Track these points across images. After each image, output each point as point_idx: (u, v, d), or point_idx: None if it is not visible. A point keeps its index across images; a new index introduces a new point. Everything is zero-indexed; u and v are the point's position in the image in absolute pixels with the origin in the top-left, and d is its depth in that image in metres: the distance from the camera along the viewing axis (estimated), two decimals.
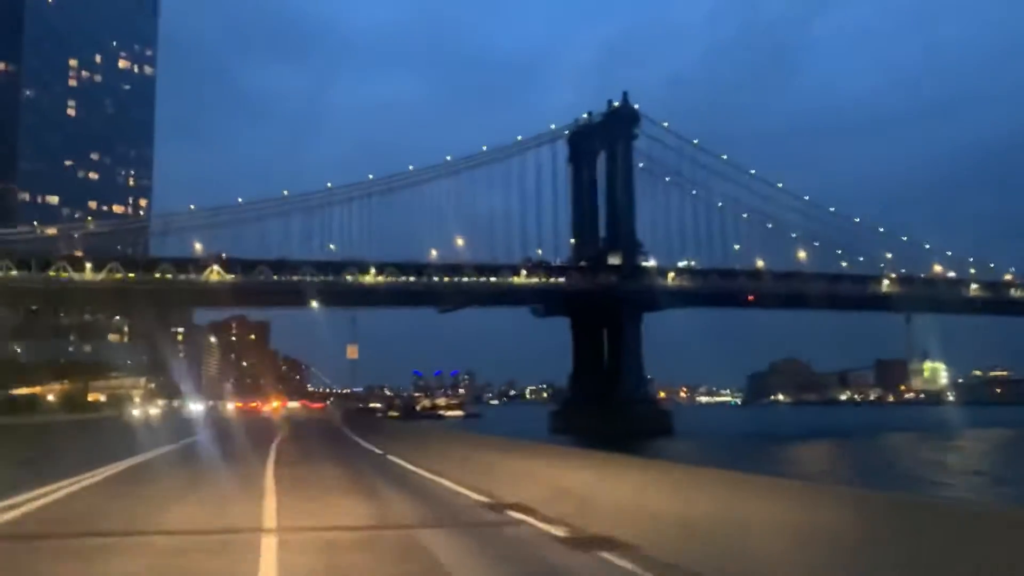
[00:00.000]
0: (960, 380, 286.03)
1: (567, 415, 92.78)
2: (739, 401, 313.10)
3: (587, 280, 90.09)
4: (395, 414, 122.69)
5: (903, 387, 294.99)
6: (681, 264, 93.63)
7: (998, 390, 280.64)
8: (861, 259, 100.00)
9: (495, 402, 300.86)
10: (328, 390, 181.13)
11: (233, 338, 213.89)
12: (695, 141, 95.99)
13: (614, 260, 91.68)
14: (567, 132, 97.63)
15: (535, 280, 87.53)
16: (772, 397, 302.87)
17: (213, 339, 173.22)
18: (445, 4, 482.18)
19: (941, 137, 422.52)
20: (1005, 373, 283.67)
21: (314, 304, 79.68)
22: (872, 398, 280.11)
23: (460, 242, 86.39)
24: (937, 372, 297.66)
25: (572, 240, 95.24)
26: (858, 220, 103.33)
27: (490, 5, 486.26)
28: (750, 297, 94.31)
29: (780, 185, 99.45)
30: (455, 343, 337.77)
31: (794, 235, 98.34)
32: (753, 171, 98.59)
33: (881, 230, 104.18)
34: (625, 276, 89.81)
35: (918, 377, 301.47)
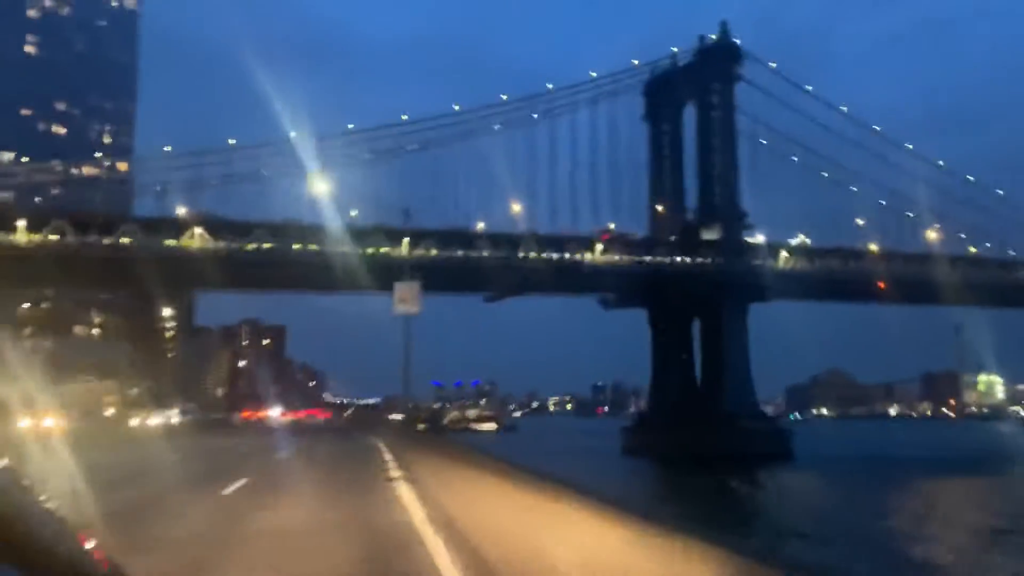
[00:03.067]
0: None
1: (645, 432, 72.88)
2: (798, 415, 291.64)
3: (678, 258, 70.23)
4: (422, 426, 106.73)
5: (953, 401, 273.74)
6: (793, 241, 73.65)
7: None
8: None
9: (518, 414, 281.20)
10: (343, 401, 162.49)
11: (245, 343, 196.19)
12: (808, 87, 76.08)
13: (709, 235, 71.76)
14: (642, 82, 78.03)
15: (615, 258, 67.57)
16: (815, 411, 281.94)
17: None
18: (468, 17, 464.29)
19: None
20: None
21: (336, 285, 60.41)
22: (928, 413, 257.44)
23: (516, 208, 66.66)
24: (993, 385, 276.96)
25: (652, 210, 75.47)
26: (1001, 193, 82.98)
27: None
28: (881, 284, 74.12)
29: (910, 147, 79.33)
30: (469, 350, 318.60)
31: (929, 213, 78.18)
32: (878, 127, 78.53)
33: None
34: (728, 254, 69.83)
35: (971, 391, 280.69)
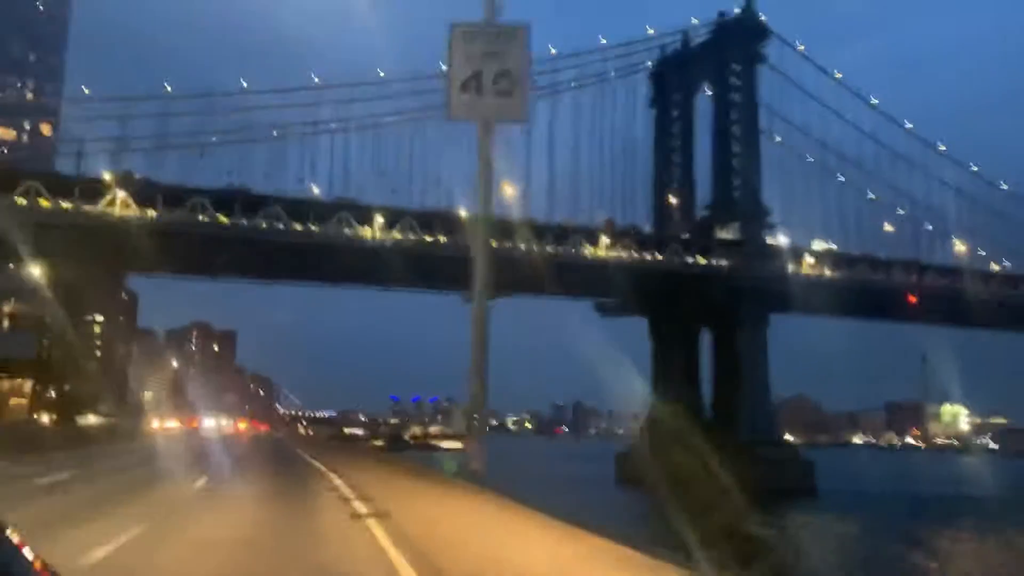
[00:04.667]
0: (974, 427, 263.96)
1: (644, 459, 63.14)
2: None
3: (690, 259, 60.92)
4: (379, 443, 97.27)
5: (917, 431, 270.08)
6: (816, 246, 64.88)
7: None
8: None
9: None
10: (296, 412, 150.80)
11: (193, 346, 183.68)
12: (838, 74, 67.64)
13: (725, 234, 62.66)
14: (650, 64, 68.97)
15: (622, 255, 57.88)
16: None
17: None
18: None
19: None
20: (1004, 421, 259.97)
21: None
22: (896, 443, 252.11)
23: (509, 192, 56.59)
24: (958, 416, 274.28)
25: (658, 205, 66.16)
26: None
27: None
28: (911, 298, 65.72)
29: (943, 148, 71.27)
30: (425, 365, 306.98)
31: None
32: (909, 124, 70.42)
33: None
34: (748, 256, 60.72)
35: (935, 421, 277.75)
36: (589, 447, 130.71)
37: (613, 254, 57.12)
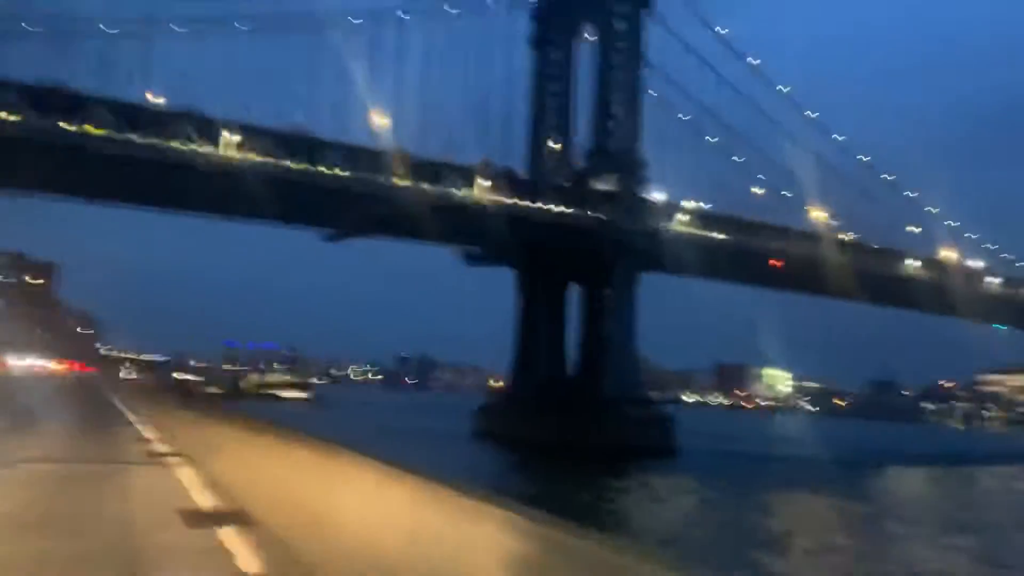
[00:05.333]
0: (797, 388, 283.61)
1: (504, 415, 60.68)
2: None
3: (568, 209, 58.01)
4: (216, 391, 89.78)
5: (742, 392, 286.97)
6: (688, 206, 63.68)
7: (845, 402, 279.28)
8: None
9: (316, 382, 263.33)
10: (124, 354, 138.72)
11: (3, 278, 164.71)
12: (722, 30, 66.21)
13: (603, 185, 60.15)
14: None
15: (500, 199, 53.95)
16: None
17: None
18: None
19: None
20: (817, 385, 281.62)
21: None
22: (724, 402, 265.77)
23: (380, 122, 51.22)
24: (780, 379, 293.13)
25: (534, 150, 62.76)
26: (891, 178, 78.13)
27: None
28: (776, 263, 66.16)
29: (813, 115, 71.92)
30: (266, 305, 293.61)
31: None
32: (785, 88, 70.37)
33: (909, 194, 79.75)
34: (625, 210, 58.53)
35: (759, 383, 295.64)
36: (439, 401, 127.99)
37: (489, 198, 53.15)
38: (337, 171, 47.06)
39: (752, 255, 64.12)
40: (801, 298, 77.63)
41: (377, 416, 78.08)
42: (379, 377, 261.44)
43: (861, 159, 75.55)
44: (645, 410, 57.94)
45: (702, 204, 63.92)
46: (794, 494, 39.94)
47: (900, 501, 42.68)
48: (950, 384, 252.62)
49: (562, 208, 57.37)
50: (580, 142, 63.70)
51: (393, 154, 48.18)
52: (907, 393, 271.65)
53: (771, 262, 65.20)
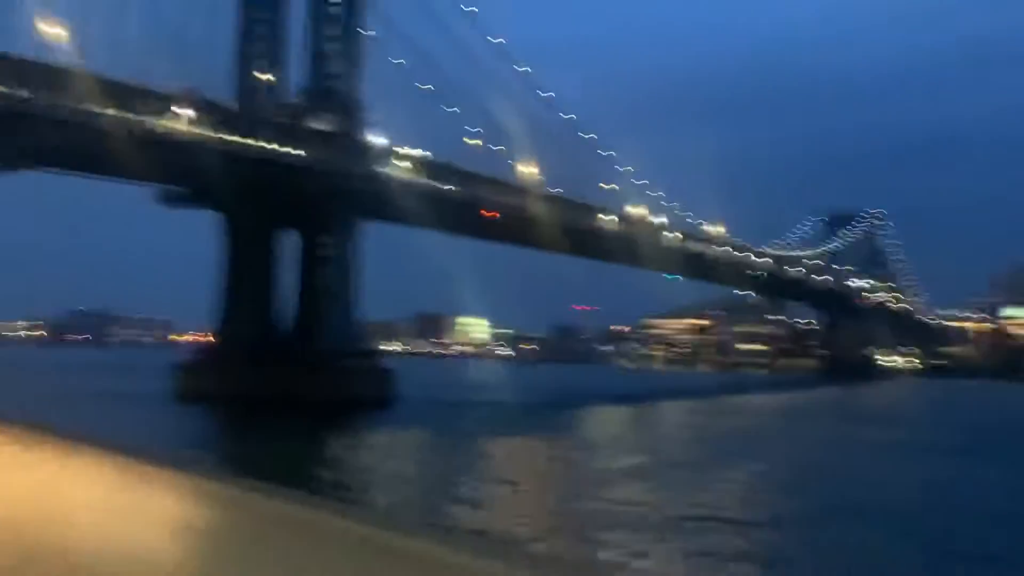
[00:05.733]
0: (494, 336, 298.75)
1: (211, 373, 55.62)
2: None
3: (281, 148, 53.66)
4: None
5: (439, 340, 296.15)
6: (409, 151, 62.20)
7: (534, 347, 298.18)
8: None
9: None
10: None
11: None
12: None
13: (320, 124, 56.51)
14: None
15: (207, 133, 48.13)
16: None
17: None
18: None
19: None
20: (505, 330, 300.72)
21: None
22: (429, 351, 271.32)
23: (56, 32, 42.98)
24: (477, 327, 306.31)
25: (242, 80, 57.14)
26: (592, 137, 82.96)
27: None
28: (492, 214, 67.29)
29: (527, 70, 73.62)
30: None
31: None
32: (499, 39, 70.95)
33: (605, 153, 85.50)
34: (345, 152, 55.59)
35: (458, 331, 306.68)
36: (120, 359, 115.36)
37: (193, 131, 47.26)
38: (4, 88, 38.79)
39: (471, 206, 64.52)
40: (494, 248, 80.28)
41: (54, 379, 68.34)
42: (40, 334, 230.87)
43: (566, 117, 79.27)
44: (365, 362, 56.23)
45: (423, 152, 62.85)
46: (506, 437, 40.81)
47: (606, 439, 45.45)
48: (622, 328, 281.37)
49: (275, 146, 53.00)
50: (296, 80, 59.29)
51: (75, 72, 40.75)
52: (586, 337, 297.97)
53: (487, 213, 66.17)
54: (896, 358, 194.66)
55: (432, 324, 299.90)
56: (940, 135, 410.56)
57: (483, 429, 43.72)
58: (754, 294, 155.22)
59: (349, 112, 56.86)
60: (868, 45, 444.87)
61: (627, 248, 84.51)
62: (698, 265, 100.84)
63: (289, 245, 58.78)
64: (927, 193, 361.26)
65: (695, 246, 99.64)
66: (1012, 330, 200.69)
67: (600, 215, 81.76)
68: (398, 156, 60.26)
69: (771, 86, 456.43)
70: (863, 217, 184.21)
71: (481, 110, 68.70)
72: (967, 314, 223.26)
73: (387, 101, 62.50)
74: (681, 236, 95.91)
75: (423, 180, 61.20)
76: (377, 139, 59.01)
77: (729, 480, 27.47)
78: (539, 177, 73.92)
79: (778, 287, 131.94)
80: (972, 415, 71.51)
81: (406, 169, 60.08)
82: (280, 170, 52.21)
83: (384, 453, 35.16)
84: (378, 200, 56.89)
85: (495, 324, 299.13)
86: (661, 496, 23.71)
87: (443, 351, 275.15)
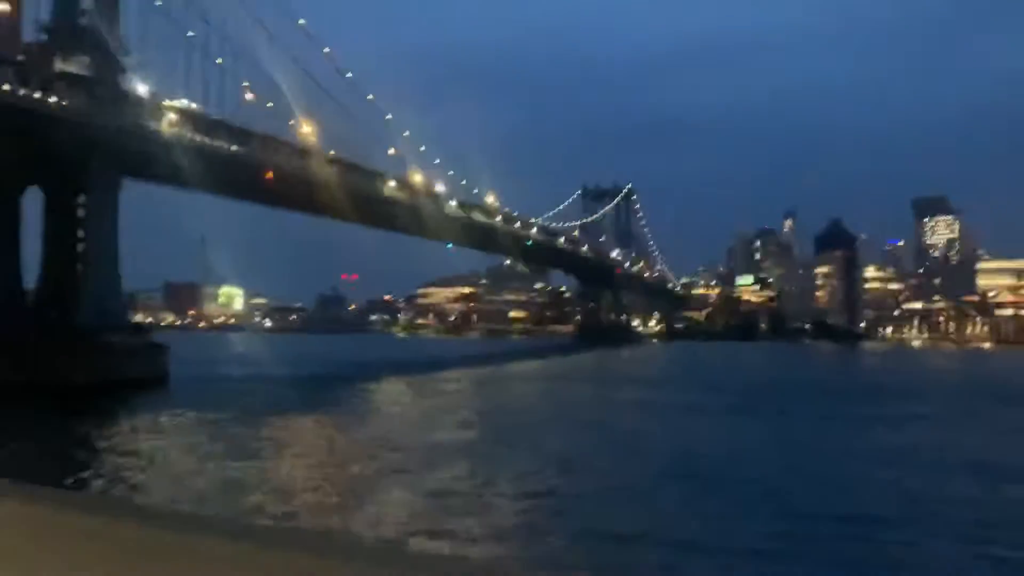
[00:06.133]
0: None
1: None
2: None
3: (20, 90, 45.76)
4: None
5: (193, 311, 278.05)
6: (177, 104, 55.88)
7: (295, 317, 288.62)
8: None
9: None
10: None
11: None
12: None
13: (70, 67, 48.92)
14: None
15: None
16: None
17: None
18: None
19: None
20: (264, 301, 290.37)
21: None
22: (175, 323, 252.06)
23: None
24: (233, 297, 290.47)
25: None
26: (371, 98, 79.87)
27: None
28: (268, 174, 62.64)
29: (302, 22, 68.82)
30: None
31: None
32: None
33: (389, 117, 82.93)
34: (102, 99, 48.62)
35: (212, 302, 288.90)
36: None
37: None
38: None
39: (246, 166, 59.53)
40: (256, 212, 75.49)
41: None
42: None
43: (348, 76, 75.56)
44: (132, 338, 50.09)
45: (194, 105, 56.81)
46: (286, 415, 37.73)
47: (381, 413, 43.16)
48: (391, 298, 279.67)
49: (18, 90, 45.22)
50: (38, 14, 50.83)
51: None
52: (353, 307, 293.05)
53: (266, 175, 61.47)
54: (647, 323, 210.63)
55: (182, 294, 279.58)
56: (685, 118, 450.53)
57: (264, 407, 40.25)
58: (523, 263, 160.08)
59: (107, 56, 49.76)
60: (630, 30, 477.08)
61: (411, 216, 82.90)
62: (477, 234, 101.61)
63: (38, 206, 50.74)
64: (671, 171, 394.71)
65: (476, 216, 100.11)
66: (744, 296, 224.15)
67: (383, 180, 79.30)
68: (164, 108, 53.93)
69: (541, 67, 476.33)
70: (618, 192, 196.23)
71: (257, 65, 63.52)
72: (703, 281, 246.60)
73: (152, 48, 55.74)
74: (461, 205, 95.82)
75: (196, 136, 55.36)
76: (139, 87, 52.33)
77: (520, 451, 27.09)
78: (319, 139, 70.12)
79: (547, 257, 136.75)
80: (721, 374, 78.17)
81: (172, 122, 53.92)
82: (22, 117, 44.61)
83: (155, 442, 30.78)
84: (141, 156, 50.61)
85: (255, 294, 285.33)
86: (457, 471, 22.66)
87: (196, 323, 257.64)
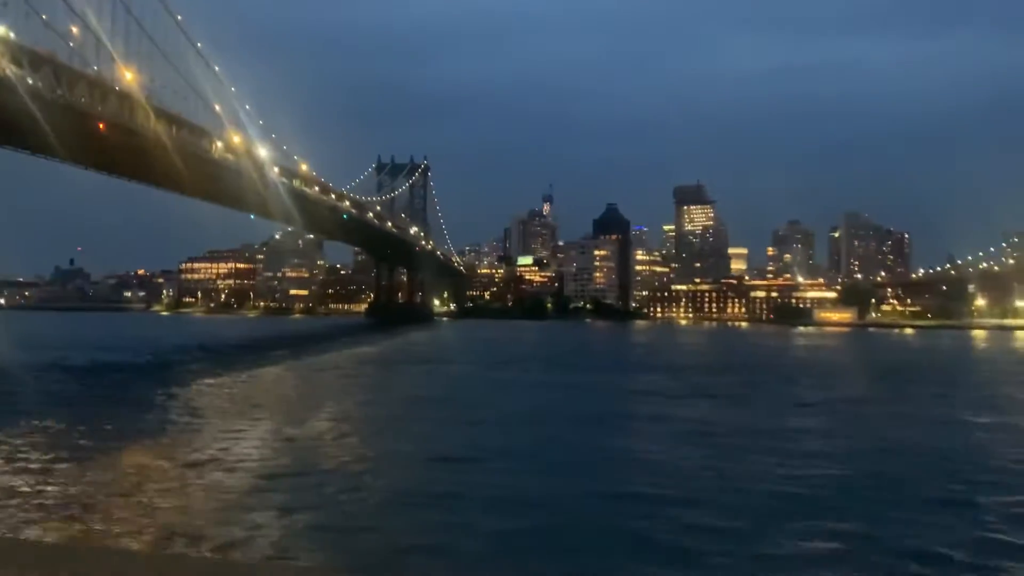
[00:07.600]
0: None
1: None
2: None
3: None
4: None
5: None
6: None
7: (27, 293, 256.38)
8: None
9: None
10: None
11: None
12: None
13: None
14: None
15: None
16: None
17: None
18: None
19: None
20: None
21: None
22: None
23: None
24: None
25: None
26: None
27: None
28: (101, 126, 52.15)
29: None
30: None
31: None
32: None
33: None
34: None
35: None
36: None
37: None
38: None
39: (79, 114, 49.04)
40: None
41: None
42: None
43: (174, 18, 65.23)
44: None
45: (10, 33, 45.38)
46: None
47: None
48: (145, 271, 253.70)
49: None
50: None
51: None
52: (98, 280, 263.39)
53: (101, 126, 50.98)
54: (441, 302, 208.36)
55: None
56: (469, 92, 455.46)
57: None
58: (341, 239, 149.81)
59: None
60: (427, 3, 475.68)
61: (236, 183, 73.95)
62: (297, 206, 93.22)
63: None
64: (457, 144, 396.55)
65: (297, 184, 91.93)
66: (525, 275, 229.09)
67: (210, 141, 69.67)
68: None
69: (327, 32, 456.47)
70: (412, 166, 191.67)
71: None
72: (487, 261, 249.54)
73: None
74: (283, 172, 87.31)
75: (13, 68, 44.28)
76: None
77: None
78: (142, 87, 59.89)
79: (359, 232, 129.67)
80: (519, 349, 78.78)
81: None
82: None
83: None
84: None
85: None
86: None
87: None
